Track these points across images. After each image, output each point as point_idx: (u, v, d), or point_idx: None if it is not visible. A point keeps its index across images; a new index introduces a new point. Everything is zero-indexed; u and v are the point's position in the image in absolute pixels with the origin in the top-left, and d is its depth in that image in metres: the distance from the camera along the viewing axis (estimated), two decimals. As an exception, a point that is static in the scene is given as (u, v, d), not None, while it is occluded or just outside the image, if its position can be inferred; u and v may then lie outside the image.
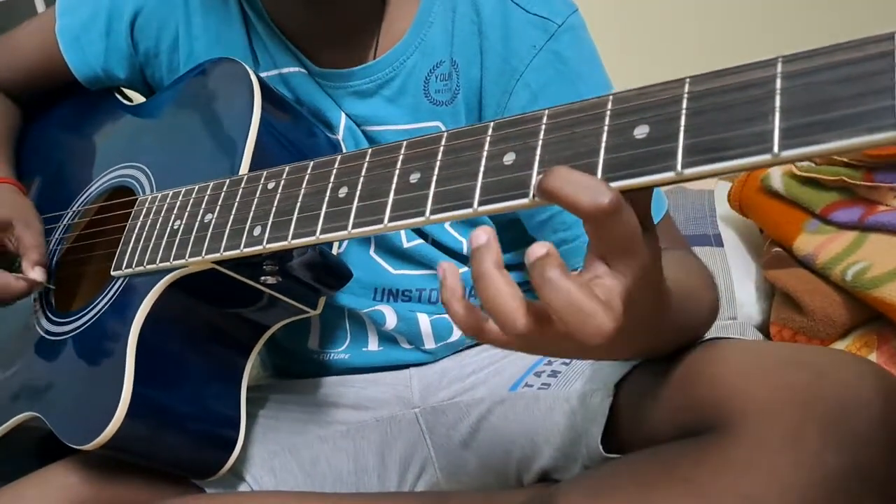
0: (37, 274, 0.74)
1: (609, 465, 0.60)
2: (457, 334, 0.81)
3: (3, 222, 0.76)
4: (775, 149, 0.35)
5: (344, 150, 0.76)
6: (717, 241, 1.16)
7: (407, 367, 0.82)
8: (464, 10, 0.73)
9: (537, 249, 0.39)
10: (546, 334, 0.41)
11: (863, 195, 0.97)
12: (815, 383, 0.48)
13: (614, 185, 0.40)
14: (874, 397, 0.47)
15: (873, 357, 0.88)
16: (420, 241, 0.78)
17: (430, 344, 0.81)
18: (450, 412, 0.76)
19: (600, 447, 0.62)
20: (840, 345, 0.91)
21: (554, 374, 0.73)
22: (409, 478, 0.77)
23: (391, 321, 0.79)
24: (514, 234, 0.80)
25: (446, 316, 0.79)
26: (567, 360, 0.75)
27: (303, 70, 0.77)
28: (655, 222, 0.69)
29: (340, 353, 0.82)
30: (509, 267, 0.81)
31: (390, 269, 0.79)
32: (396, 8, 0.75)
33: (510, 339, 0.42)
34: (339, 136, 0.76)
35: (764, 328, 1.06)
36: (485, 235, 0.41)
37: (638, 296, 0.42)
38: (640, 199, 0.43)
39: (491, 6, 0.73)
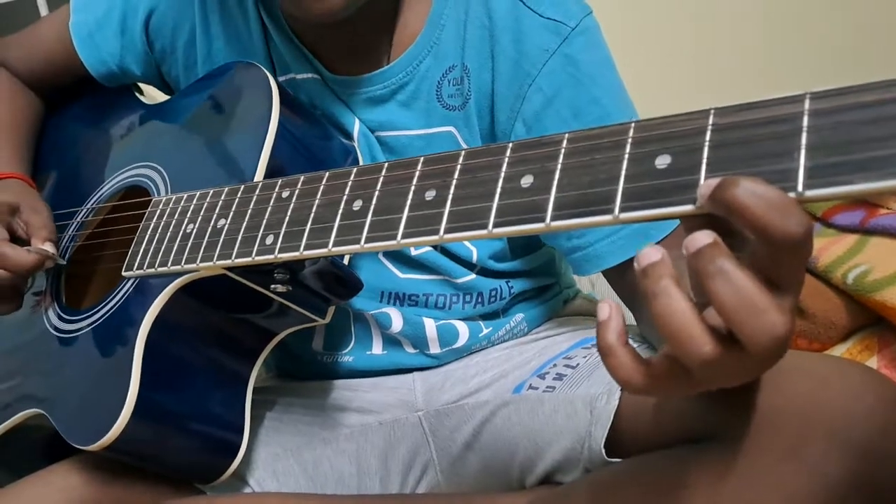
0: (48, 247, 0.73)
1: (611, 469, 0.60)
2: (462, 340, 0.80)
3: (11, 206, 0.75)
4: (799, 188, 0.35)
5: (359, 157, 0.76)
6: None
7: (410, 371, 0.82)
8: (476, 13, 0.73)
9: (702, 238, 0.36)
10: (725, 363, 0.37)
11: (864, 198, 0.97)
12: (818, 392, 0.49)
13: (632, 214, 0.40)
14: (877, 407, 0.47)
15: (874, 360, 0.89)
16: (428, 248, 0.77)
17: (435, 349, 0.80)
18: (453, 415, 0.76)
19: (603, 451, 0.62)
20: (841, 348, 0.91)
21: (559, 376, 0.73)
22: (410, 480, 0.77)
23: (397, 324, 0.79)
24: (523, 239, 0.80)
25: (452, 322, 0.80)
26: (572, 364, 0.75)
27: (317, 76, 0.76)
28: (623, 260, 0.71)
29: (344, 355, 0.82)
30: (517, 273, 0.82)
31: (398, 273, 0.79)
32: (409, 11, 0.74)
33: (684, 381, 0.39)
34: (355, 143, 0.76)
35: (764, 329, 1.06)
36: (658, 253, 0.38)
37: None
38: None
39: (503, 10, 0.72)
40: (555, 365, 0.76)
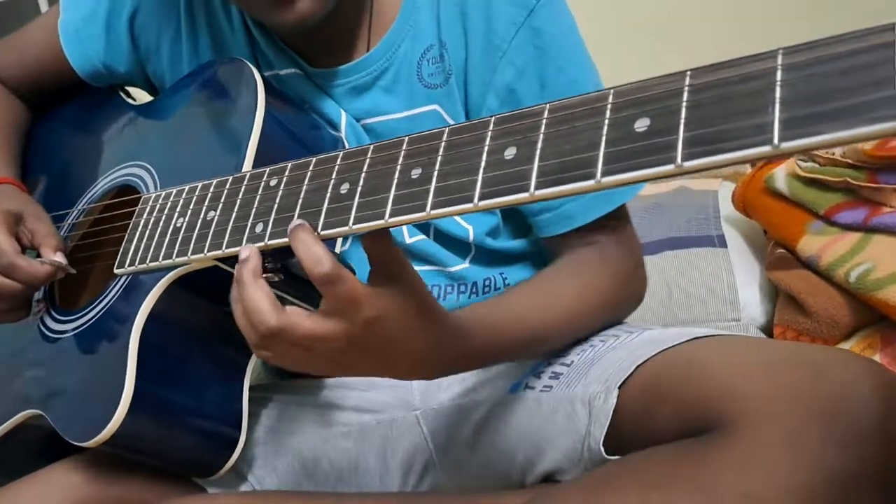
0: (59, 257, 0.73)
1: (610, 464, 0.60)
2: None
3: (15, 214, 0.75)
4: (775, 140, 0.35)
5: (346, 146, 0.76)
6: (721, 242, 1.16)
7: None
8: None
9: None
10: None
11: (867, 196, 0.97)
12: (816, 382, 0.49)
13: (614, 178, 0.40)
14: (874, 395, 0.47)
15: (877, 359, 0.88)
16: (422, 236, 0.77)
17: None
18: (451, 414, 0.75)
19: (602, 449, 0.62)
20: (843, 346, 0.91)
21: (555, 375, 0.73)
22: (411, 479, 0.76)
23: None
24: (520, 220, 0.80)
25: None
26: (567, 362, 0.74)
27: (300, 72, 0.77)
28: (592, 220, 0.72)
29: None
30: (516, 256, 0.81)
31: None
32: None
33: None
34: (342, 134, 0.77)
35: (768, 330, 1.06)
36: (246, 251, 0.55)
37: (368, 333, 0.53)
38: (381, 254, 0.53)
39: None
40: (550, 363, 0.76)
